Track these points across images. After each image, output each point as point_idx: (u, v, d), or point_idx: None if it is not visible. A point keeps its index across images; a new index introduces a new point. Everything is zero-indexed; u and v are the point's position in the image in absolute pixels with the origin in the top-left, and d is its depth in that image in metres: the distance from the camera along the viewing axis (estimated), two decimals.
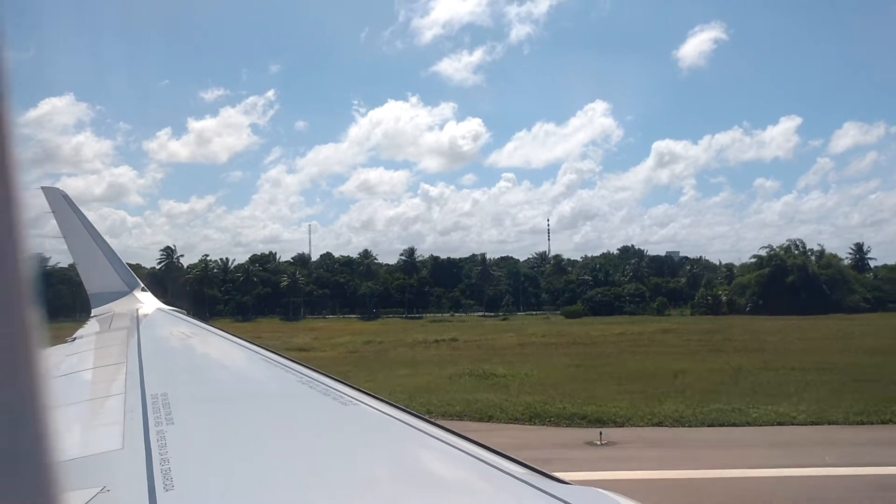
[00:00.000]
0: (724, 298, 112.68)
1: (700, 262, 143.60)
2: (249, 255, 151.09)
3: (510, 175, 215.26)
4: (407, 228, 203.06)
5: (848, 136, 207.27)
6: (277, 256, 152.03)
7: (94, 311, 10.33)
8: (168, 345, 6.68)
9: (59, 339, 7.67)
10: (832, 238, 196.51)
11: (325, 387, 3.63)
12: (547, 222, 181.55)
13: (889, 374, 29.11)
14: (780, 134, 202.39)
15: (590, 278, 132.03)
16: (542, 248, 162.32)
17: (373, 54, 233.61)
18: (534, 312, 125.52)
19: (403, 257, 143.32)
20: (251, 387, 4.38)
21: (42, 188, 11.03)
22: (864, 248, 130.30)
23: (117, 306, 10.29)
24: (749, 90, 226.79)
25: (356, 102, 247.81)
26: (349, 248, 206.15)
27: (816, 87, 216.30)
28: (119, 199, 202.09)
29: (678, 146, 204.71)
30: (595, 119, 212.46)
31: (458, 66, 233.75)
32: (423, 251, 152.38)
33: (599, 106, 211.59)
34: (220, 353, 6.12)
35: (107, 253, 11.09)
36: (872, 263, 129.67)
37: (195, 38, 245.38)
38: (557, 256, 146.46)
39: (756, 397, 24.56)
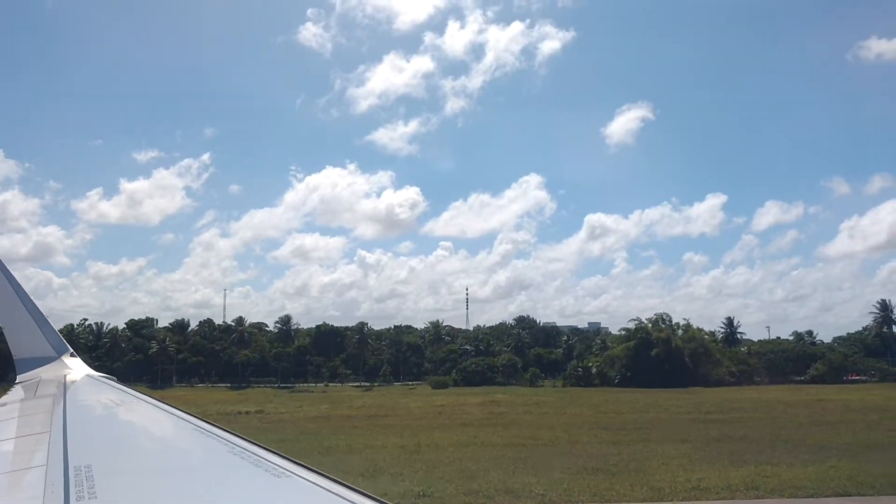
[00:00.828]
0: (594, 370, 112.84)
1: (582, 333, 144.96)
2: (128, 321, 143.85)
3: (447, 244, 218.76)
4: (342, 295, 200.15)
5: (770, 214, 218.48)
6: (156, 322, 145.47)
7: (19, 378, 9.75)
8: (95, 413, 6.37)
9: None
10: (757, 312, 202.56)
11: (256, 458, 3.41)
12: (466, 291, 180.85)
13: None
14: (707, 210, 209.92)
15: (471, 348, 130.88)
16: (475, 317, 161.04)
17: (309, 121, 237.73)
18: (411, 383, 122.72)
19: (279, 325, 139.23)
20: (180, 457, 4.07)
21: None
22: (735, 323, 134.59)
23: (44, 372, 9.77)
24: (677, 167, 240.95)
25: (293, 168, 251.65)
26: (282, 313, 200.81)
27: (740, 167, 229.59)
28: (45, 259, 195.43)
29: (609, 220, 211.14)
30: (529, 191, 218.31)
31: (393, 136, 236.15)
32: (359, 317, 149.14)
33: (534, 179, 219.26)
34: (150, 421, 5.78)
35: (35, 316, 10.53)
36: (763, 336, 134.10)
37: (130, 99, 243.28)
38: (436, 323, 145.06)
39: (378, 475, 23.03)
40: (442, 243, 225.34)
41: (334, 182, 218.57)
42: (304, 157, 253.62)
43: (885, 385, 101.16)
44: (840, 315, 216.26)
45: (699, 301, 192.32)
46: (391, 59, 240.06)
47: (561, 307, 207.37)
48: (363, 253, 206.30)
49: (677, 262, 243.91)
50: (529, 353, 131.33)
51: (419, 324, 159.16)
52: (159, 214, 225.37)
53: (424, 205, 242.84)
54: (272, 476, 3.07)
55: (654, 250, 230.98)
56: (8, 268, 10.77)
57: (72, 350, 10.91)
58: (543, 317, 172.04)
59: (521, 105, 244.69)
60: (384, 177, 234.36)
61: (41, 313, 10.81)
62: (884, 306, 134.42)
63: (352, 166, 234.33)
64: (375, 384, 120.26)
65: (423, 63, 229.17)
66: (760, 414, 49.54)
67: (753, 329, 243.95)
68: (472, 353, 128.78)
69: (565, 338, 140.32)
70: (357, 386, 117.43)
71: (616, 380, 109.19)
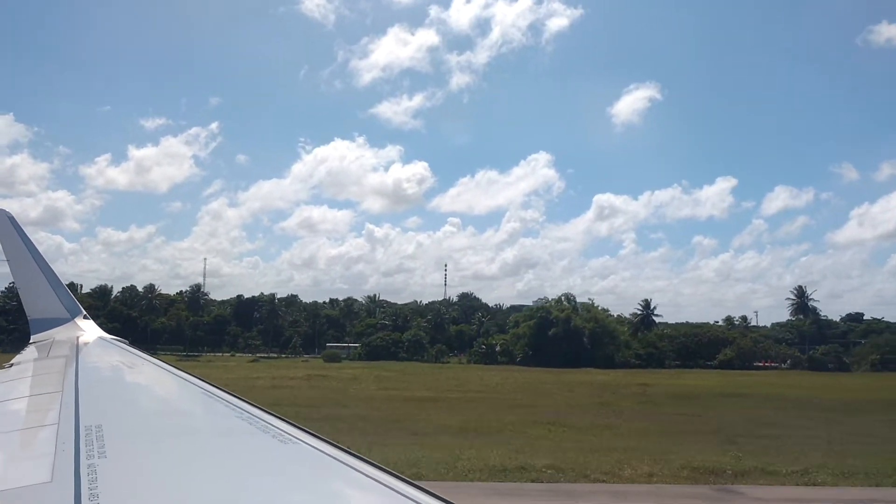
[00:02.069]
0: (497, 348, 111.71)
1: (495, 311, 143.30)
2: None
3: (455, 220, 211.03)
4: (349, 268, 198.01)
5: (779, 198, 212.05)
6: (79, 288, 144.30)
7: (33, 338, 9.88)
8: (106, 374, 6.53)
9: None
10: (765, 297, 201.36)
11: (264, 423, 3.48)
12: (444, 268, 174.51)
13: None
14: (716, 193, 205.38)
15: (389, 323, 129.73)
16: (484, 294, 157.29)
17: (313, 93, 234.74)
18: (306, 356, 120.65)
19: (188, 294, 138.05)
20: (189, 421, 4.11)
21: None
22: (651, 306, 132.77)
23: (57, 333, 9.85)
24: (687, 149, 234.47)
25: (302, 140, 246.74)
26: (290, 285, 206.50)
27: (750, 150, 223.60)
28: (55, 223, 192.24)
29: (618, 200, 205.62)
30: (537, 169, 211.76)
31: (397, 110, 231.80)
32: (366, 291, 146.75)
33: (542, 157, 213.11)
34: (160, 384, 5.83)
35: (50, 278, 10.69)
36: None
37: (138, 66, 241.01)
38: (349, 299, 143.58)
39: None
40: (450, 219, 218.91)
41: (342, 155, 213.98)
42: (310, 128, 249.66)
43: (779, 373, 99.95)
44: (848, 303, 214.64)
45: (707, 284, 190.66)
46: (395, 32, 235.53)
47: (568, 287, 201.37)
48: (371, 227, 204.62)
49: (686, 244, 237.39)
50: (450, 330, 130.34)
51: (427, 298, 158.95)
52: (167, 182, 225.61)
53: (432, 180, 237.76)
54: (279, 442, 3.12)
55: (662, 232, 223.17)
56: (32, 230, 10.78)
57: (85, 312, 11.00)
58: (551, 295, 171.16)
59: (528, 82, 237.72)
60: (392, 151, 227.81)
61: (56, 275, 10.93)
62: (800, 293, 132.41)
63: (360, 139, 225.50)
64: (283, 356, 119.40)
65: (428, 36, 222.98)
66: (495, 395, 49.20)
67: (763, 314, 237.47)
68: (390, 327, 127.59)
69: (479, 314, 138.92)
70: (253, 358, 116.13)
71: (518, 358, 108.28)
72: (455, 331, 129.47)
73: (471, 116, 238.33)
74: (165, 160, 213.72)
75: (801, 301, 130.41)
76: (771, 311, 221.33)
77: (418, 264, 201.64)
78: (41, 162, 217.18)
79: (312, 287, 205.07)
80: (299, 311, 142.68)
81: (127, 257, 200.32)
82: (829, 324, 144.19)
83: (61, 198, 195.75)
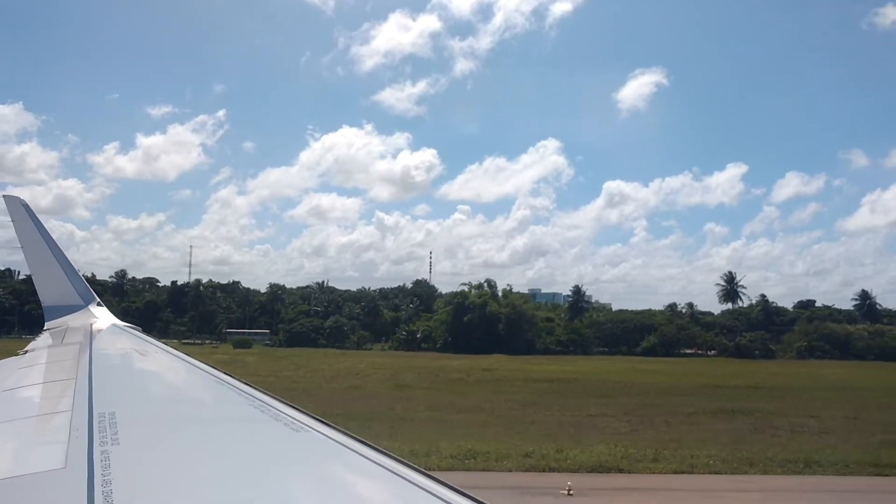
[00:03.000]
0: (418, 334, 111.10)
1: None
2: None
3: (465, 207, 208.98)
4: (359, 256, 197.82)
5: (790, 185, 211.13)
6: (17, 274, 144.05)
7: (47, 325, 10.06)
8: (120, 362, 6.56)
9: (12, 352, 7.38)
10: (777, 285, 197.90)
11: (275, 411, 3.52)
12: (429, 255, 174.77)
13: None
14: (727, 180, 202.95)
15: (321, 309, 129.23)
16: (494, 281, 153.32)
17: (315, 79, 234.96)
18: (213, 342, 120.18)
19: (114, 279, 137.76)
20: (201, 409, 4.21)
21: (3, 196, 10.74)
22: (583, 291, 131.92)
23: (71, 320, 9.97)
24: (697, 135, 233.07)
25: (311, 127, 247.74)
26: (301, 273, 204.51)
27: (761, 136, 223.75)
28: (65, 212, 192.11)
29: (629, 187, 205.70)
30: (546, 157, 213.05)
31: (400, 97, 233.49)
32: (377, 279, 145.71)
33: (551, 144, 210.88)
34: (173, 372, 5.90)
35: (64, 265, 10.81)
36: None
37: (144, 55, 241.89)
38: (274, 285, 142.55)
39: None
40: (460, 207, 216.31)
41: (350, 142, 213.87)
42: (315, 116, 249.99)
43: (686, 360, 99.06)
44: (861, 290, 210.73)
45: (718, 272, 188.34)
46: (397, 18, 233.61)
47: (580, 274, 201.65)
48: (381, 214, 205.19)
49: (697, 231, 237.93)
50: (384, 316, 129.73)
51: (439, 287, 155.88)
52: (175, 170, 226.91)
53: (440, 167, 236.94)
54: (290, 430, 3.14)
55: (674, 220, 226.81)
56: (45, 218, 10.64)
57: (98, 300, 11.03)
58: (561, 284, 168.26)
59: (532, 68, 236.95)
60: (399, 138, 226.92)
61: (70, 263, 10.99)
62: (730, 279, 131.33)
63: (368, 126, 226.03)
64: (208, 342, 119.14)
65: (429, 22, 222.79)
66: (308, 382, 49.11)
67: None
68: (322, 313, 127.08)
69: (408, 300, 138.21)
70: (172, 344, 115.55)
71: (438, 344, 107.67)
72: (390, 317, 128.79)
73: (476, 103, 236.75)
74: (173, 148, 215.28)
75: (731, 287, 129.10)
76: (783, 298, 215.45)
77: (427, 252, 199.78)
78: (50, 150, 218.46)
79: (322, 275, 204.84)
80: (240, 297, 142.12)
81: (139, 245, 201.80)
82: (779, 311, 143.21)
83: (71, 186, 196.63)
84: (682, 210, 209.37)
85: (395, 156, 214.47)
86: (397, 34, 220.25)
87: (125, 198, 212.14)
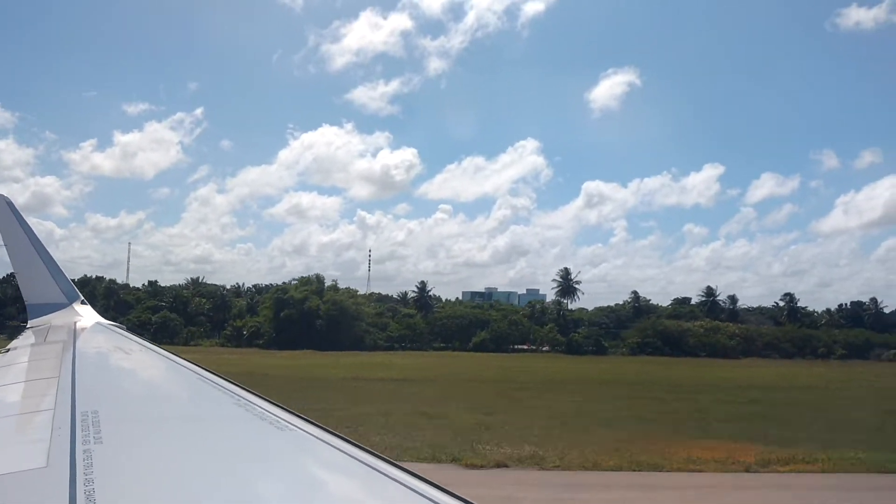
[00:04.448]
0: (244, 331, 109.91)
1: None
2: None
3: (447, 207, 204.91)
4: (340, 255, 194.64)
5: (765, 186, 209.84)
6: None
7: (30, 323, 9.89)
8: (104, 360, 6.52)
9: None
10: (756, 286, 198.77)
11: (261, 410, 3.51)
12: (368, 254, 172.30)
13: None
14: (703, 181, 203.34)
15: (165, 304, 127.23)
16: (476, 281, 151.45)
17: (288, 78, 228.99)
18: None
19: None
20: (185, 407, 4.21)
21: None
22: (426, 288, 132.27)
23: (55, 318, 9.86)
24: (674, 136, 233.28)
25: (291, 126, 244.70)
26: (283, 272, 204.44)
27: (736, 137, 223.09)
28: (43, 209, 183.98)
29: (607, 188, 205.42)
30: (525, 156, 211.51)
31: (373, 95, 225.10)
32: (358, 278, 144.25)
33: (530, 144, 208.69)
34: (158, 370, 5.89)
35: (48, 263, 10.64)
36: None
37: (121, 51, 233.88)
38: (99, 279, 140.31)
39: None
40: (441, 206, 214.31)
41: (328, 141, 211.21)
42: (289, 114, 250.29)
43: (496, 355, 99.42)
44: (839, 291, 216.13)
45: (698, 272, 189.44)
46: (367, 16, 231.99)
47: (561, 274, 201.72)
48: (363, 213, 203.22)
49: (676, 232, 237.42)
50: (234, 310, 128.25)
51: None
52: (153, 168, 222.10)
53: (420, 167, 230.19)
54: (275, 429, 3.15)
55: (653, 220, 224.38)
56: (23, 216, 10.63)
57: (83, 298, 10.92)
58: (542, 284, 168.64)
59: (507, 68, 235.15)
60: (379, 137, 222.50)
61: (54, 261, 10.81)
62: (566, 274, 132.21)
63: (349, 125, 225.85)
64: None
65: (400, 21, 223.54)
66: None
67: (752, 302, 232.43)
68: (164, 308, 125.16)
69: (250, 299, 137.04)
70: None
71: (262, 340, 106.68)
72: (238, 311, 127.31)
73: (451, 103, 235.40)
74: (151, 146, 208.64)
75: (566, 283, 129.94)
76: (762, 298, 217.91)
77: (410, 251, 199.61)
78: (26, 147, 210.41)
79: (306, 273, 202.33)
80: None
81: (119, 244, 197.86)
82: (650, 308, 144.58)
83: (49, 184, 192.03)
84: (661, 210, 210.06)
85: (374, 154, 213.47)
86: (368, 32, 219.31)
87: (103, 196, 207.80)
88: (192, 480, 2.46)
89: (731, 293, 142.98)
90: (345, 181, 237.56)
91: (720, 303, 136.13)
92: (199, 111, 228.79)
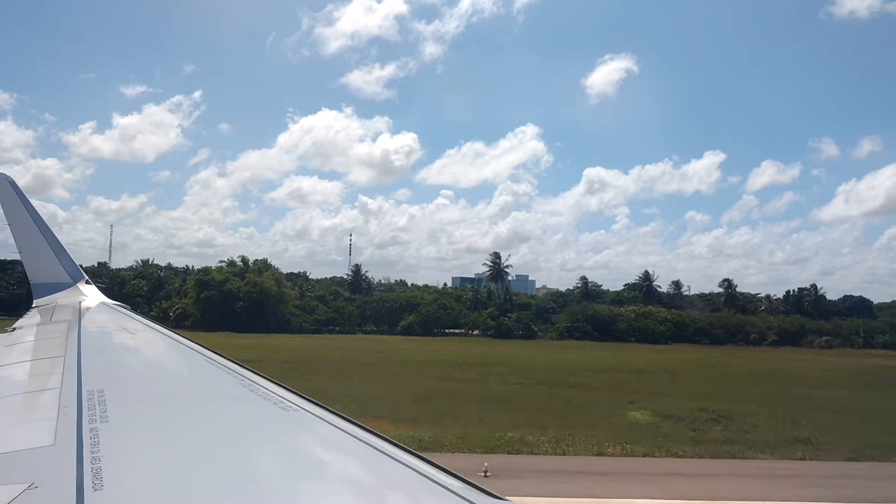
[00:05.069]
0: (171, 313, 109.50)
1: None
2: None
3: (448, 192, 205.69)
4: (342, 240, 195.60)
5: (766, 174, 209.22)
6: None
7: (35, 302, 9.96)
8: (109, 340, 6.53)
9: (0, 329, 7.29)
10: (758, 273, 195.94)
11: (264, 390, 3.55)
12: (349, 237, 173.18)
13: None
14: (703, 168, 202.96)
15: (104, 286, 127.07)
16: (478, 267, 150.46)
17: (282, 61, 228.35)
18: None
19: None
20: (191, 387, 4.23)
21: None
22: (361, 272, 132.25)
23: (60, 298, 9.91)
24: (676, 123, 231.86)
25: (291, 110, 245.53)
26: (284, 256, 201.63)
27: (738, 124, 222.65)
28: (44, 192, 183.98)
29: (608, 174, 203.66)
30: (525, 142, 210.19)
31: (369, 79, 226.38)
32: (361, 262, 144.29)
33: (530, 129, 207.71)
34: (162, 350, 5.96)
35: (52, 243, 10.69)
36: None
37: (118, 33, 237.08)
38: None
39: None
40: (443, 192, 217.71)
41: (328, 125, 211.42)
42: (286, 97, 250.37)
43: (427, 339, 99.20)
44: (843, 280, 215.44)
45: (700, 260, 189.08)
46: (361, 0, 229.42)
47: (563, 261, 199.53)
48: (364, 198, 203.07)
49: (679, 219, 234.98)
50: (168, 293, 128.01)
51: (421, 272, 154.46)
52: (153, 151, 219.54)
53: (420, 152, 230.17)
54: (279, 409, 3.19)
55: (655, 207, 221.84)
56: (27, 196, 10.69)
57: (87, 277, 10.99)
58: (545, 270, 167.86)
59: (504, 53, 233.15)
60: (379, 122, 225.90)
61: (58, 240, 10.88)
62: (496, 257, 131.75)
63: (349, 109, 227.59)
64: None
65: (394, 5, 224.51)
66: None
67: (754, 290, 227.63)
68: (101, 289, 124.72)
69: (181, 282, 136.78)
70: None
71: (189, 322, 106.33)
72: (166, 293, 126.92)
73: (448, 87, 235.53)
74: (150, 128, 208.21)
75: (497, 267, 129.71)
76: (765, 286, 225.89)
77: (411, 237, 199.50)
78: (25, 129, 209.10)
79: (307, 259, 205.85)
80: None
81: (122, 226, 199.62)
82: (600, 293, 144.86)
83: (50, 166, 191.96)
84: (663, 198, 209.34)
85: (374, 139, 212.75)
86: (362, 16, 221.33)
87: (104, 178, 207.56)
88: (198, 460, 2.47)
89: (726, 280, 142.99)
90: (345, 165, 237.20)
91: (656, 288, 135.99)
92: (197, 94, 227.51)
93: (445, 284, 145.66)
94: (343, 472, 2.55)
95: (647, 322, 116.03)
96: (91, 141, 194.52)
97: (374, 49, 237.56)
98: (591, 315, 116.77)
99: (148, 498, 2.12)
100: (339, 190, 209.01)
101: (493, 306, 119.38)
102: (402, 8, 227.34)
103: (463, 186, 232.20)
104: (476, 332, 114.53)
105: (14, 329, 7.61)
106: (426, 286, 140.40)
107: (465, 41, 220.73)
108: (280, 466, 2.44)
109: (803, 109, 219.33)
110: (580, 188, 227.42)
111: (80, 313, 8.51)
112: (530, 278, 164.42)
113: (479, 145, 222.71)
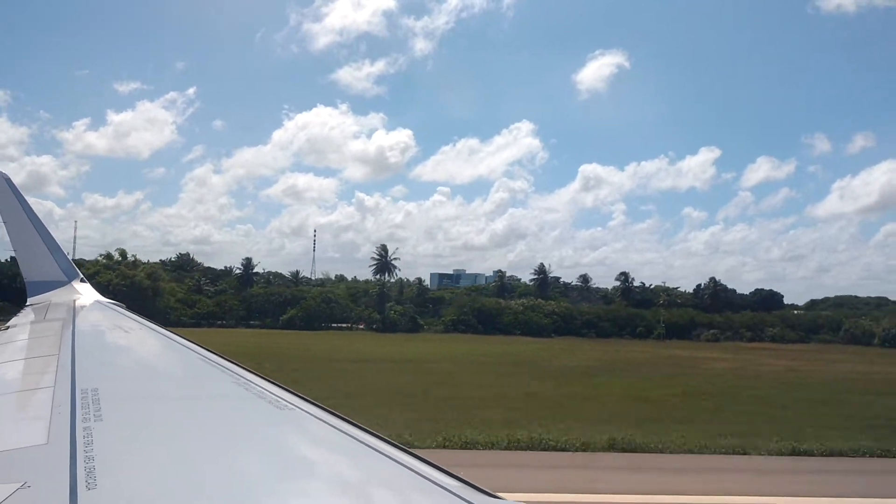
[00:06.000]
0: None
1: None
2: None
3: (444, 189, 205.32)
4: (338, 237, 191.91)
5: (761, 170, 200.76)
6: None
7: (29, 300, 9.87)
8: (103, 338, 6.47)
9: None
10: (756, 270, 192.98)
11: (260, 389, 3.53)
12: (313, 234, 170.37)
13: None
14: (698, 164, 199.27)
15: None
16: (476, 265, 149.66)
17: (271, 57, 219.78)
18: None
19: None
20: (184, 386, 4.22)
21: None
22: (299, 275, 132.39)
23: (54, 296, 9.86)
24: (670, 119, 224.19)
25: (287, 107, 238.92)
26: (282, 254, 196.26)
27: (733, 119, 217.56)
28: (39, 189, 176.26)
29: (604, 171, 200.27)
30: (520, 138, 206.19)
31: (359, 76, 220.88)
32: (358, 260, 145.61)
33: (525, 126, 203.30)
34: (157, 349, 5.95)
35: (47, 240, 10.59)
36: None
37: (113, 29, 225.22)
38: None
39: None
40: (439, 188, 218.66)
41: (323, 121, 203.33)
42: (276, 93, 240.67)
43: (297, 332, 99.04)
44: (839, 276, 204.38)
45: (697, 256, 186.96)
46: None
47: (560, 258, 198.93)
48: (361, 195, 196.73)
49: (675, 216, 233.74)
50: None
51: (420, 269, 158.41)
52: (148, 148, 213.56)
53: (415, 148, 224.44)
54: (274, 408, 3.16)
55: (652, 204, 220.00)
56: (22, 193, 10.70)
57: (82, 276, 10.94)
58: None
59: (496, 50, 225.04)
60: (373, 118, 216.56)
61: (53, 238, 10.82)
62: (383, 251, 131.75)
63: (343, 106, 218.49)
64: None
65: (382, 0, 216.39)
66: None
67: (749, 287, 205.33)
68: None
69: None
70: None
71: None
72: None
73: (440, 84, 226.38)
74: (144, 125, 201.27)
75: (383, 260, 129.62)
76: (762, 282, 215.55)
77: (408, 234, 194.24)
78: (19, 126, 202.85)
79: (304, 256, 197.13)
80: None
81: (117, 224, 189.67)
82: (515, 286, 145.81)
83: (45, 163, 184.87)
84: (659, 194, 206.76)
85: (369, 136, 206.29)
86: (350, 12, 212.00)
87: (99, 175, 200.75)
88: (192, 458, 2.44)
89: (623, 273, 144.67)
90: (340, 162, 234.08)
91: (556, 280, 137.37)
92: (191, 90, 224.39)
93: (421, 280, 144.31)
94: (338, 471, 2.53)
95: (532, 315, 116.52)
96: (85, 138, 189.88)
97: (363, 45, 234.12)
98: (478, 308, 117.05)
99: (141, 497, 2.09)
100: (335, 187, 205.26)
101: (406, 301, 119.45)
102: (390, 3, 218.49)
103: (458, 183, 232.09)
104: (361, 326, 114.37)
105: (7, 327, 7.58)
106: (355, 279, 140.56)
107: (455, 37, 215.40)
108: (274, 465, 2.42)
109: (797, 104, 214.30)
110: (576, 185, 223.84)
111: (74, 311, 8.46)
112: (510, 274, 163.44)
113: (473, 142, 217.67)
